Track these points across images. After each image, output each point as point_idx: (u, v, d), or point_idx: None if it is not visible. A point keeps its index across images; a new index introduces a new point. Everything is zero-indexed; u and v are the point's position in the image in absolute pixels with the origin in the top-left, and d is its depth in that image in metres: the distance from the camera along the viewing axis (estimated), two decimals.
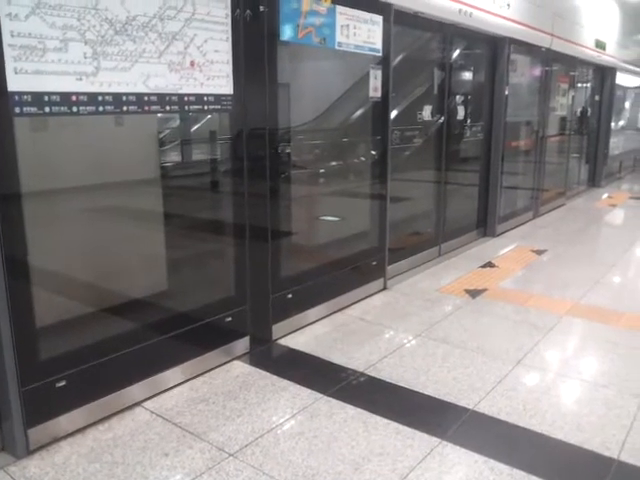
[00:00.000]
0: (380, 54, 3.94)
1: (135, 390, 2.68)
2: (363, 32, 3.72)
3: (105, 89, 2.34)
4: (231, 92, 2.87)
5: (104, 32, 2.31)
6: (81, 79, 2.26)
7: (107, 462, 2.26)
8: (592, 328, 3.70)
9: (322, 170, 4.40)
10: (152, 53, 2.50)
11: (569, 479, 2.20)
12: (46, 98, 2.16)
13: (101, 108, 2.34)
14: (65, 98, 2.22)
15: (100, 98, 2.33)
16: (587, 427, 2.54)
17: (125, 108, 2.44)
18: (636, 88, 12.42)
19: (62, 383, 2.38)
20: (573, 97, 8.35)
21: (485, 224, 6.21)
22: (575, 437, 2.46)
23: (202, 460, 2.27)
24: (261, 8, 3.00)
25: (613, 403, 2.75)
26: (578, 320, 3.82)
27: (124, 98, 2.42)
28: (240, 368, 3.05)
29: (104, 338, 2.60)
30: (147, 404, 2.68)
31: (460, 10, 4.77)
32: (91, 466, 2.23)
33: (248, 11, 2.95)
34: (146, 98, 2.50)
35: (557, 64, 7.43)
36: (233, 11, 2.84)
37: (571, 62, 8.00)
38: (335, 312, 3.85)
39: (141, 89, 2.48)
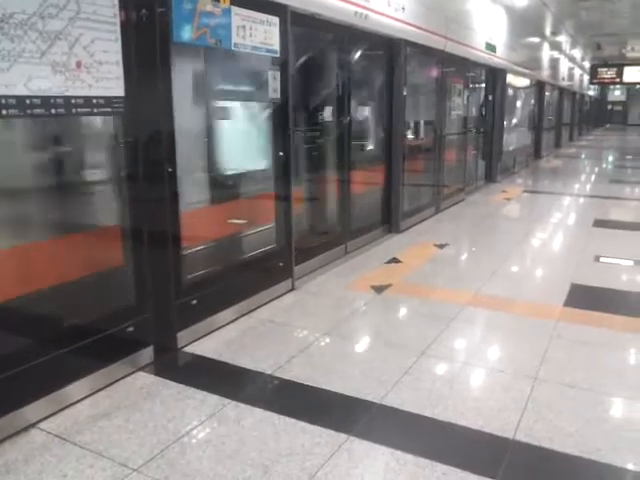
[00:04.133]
0: (278, 55, 3.94)
1: (29, 410, 2.52)
2: (260, 33, 3.71)
3: None
4: (122, 94, 2.77)
5: None
6: None
7: None
8: (489, 316, 3.90)
9: (229, 172, 4.34)
10: (33, 53, 2.36)
11: (469, 462, 2.29)
12: None
13: None
14: None
15: None
16: (486, 411, 2.66)
17: (5, 112, 2.29)
18: (526, 88, 13.22)
19: None
20: (468, 97, 8.75)
21: (389, 221, 6.36)
22: (475, 422, 2.57)
23: (103, 478, 2.17)
24: (156, 8, 2.92)
25: (509, 386, 2.90)
26: (477, 309, 4.01)
27: (3, 101, 2.27)
28: (144, 379, 2.95)
29: None
30: (43, 424, 2.53)
31: (356, 12, 4.86)
32: None
33: (144, 11, 2.86)
34: (28, 101, 2.36)
35: (452, 66, 7.76)
36: (125, 11, 2.74)
37: (465, 64, 8.38)
38: (243, 315, 3.81)
39: (22, 91, 2.33)
